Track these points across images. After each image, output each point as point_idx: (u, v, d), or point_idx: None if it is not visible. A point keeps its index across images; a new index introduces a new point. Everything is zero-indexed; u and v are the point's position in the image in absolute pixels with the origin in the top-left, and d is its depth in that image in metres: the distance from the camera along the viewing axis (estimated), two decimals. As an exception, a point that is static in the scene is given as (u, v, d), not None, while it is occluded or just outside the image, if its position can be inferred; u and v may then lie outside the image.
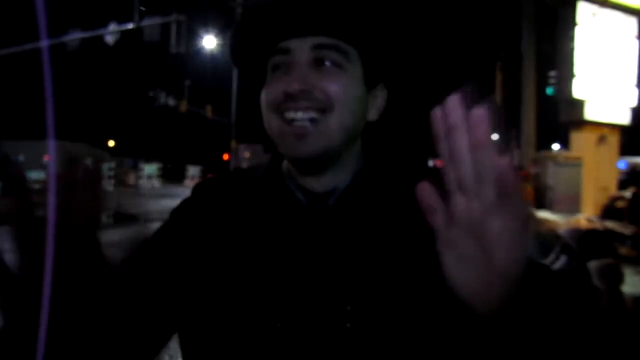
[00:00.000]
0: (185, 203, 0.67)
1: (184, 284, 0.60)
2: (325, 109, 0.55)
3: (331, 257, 0.56)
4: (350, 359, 0.53)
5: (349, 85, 0.57)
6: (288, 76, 0.57)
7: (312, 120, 0.55)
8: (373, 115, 0.62)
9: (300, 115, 0.55)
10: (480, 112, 0.35)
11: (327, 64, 0.57)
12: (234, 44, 0.64)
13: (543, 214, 4.98)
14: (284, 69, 0.58)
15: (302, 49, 0.57)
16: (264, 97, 0.59)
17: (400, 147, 0.66)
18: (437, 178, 0.39)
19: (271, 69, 0.59)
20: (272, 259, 0.57)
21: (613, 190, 7.39)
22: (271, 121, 0.58)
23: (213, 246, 0.60)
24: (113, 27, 15.48)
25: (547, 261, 4.04)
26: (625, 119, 7.81)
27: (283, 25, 0.57)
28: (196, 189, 0.68)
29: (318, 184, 0.60)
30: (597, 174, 7.23)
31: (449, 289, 0.42)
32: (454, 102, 0.36)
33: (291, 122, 0.56)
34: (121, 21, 15.43)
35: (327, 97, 0.55)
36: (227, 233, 0.60)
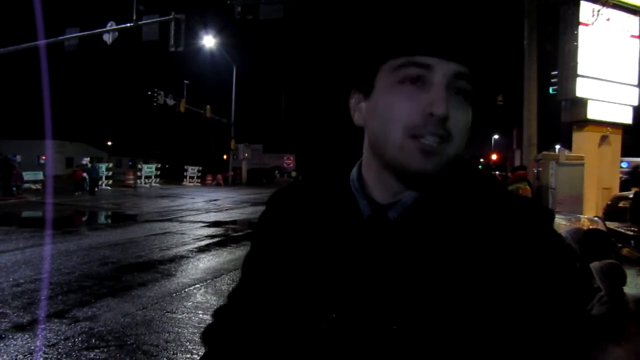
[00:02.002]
0: (264, 215, 0.76)
1: (271, 280, 0.69)
2: (449, 137, 0.58)
3: (385, 265, 0.60)
4: (392, 357, 0.57)
5: (468, 117, 0.60)
6: (427, 94, 0.57)
7: (438, 143, 0.57)
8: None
9: (432, 137, 0.57)
10: None
11: (461, 93, 0.59)
12: (365, 39, 0.64)
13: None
14: (418, 83, 0.58)
15: (445, 71, 0.57)
16: (390, 108, 0.59)
17: (469, 164, 0.67)
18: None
19: (398, 79, 0.59)
20: (335, 263, 0.63)
21: (615, 190, 7.38)
22: (397, 136, 0.58)
23: (289, 251, 0.68)
24: (111, 26, 15.42)
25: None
26: (627, 118, 7.80)
27: (433, 40, 0.57)
28: (270, 201, 0.76)
29: (385, 195, 0.64)
30: (599, 174, 7.21)
31: (492, 313, 0.50)
32: None
33: (418, 138, 0.57)
34: (119, 20, 15.39)
35: (455, 128, 0.58)
36: (299, 239, 0.67)
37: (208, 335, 0.79)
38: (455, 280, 0.57)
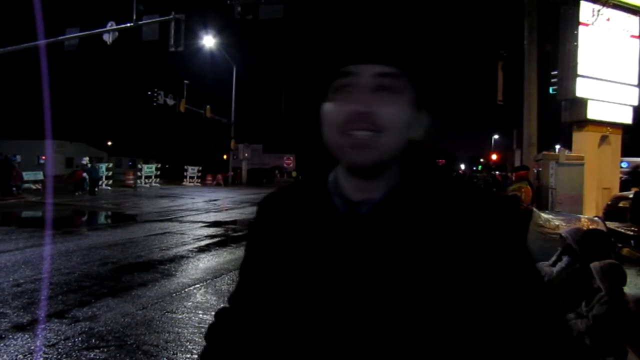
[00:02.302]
0: (255, 219, 0.83)
1: (265, 274, 0.76)
2: (380, 130, 0.65)
3: (357, 256, 0.67)
4: (368, 342, 0.65)
5: (399, 110, 0.66)
6: (351, 98, 0.66)
7: (369, 136, 0.65)
8: (416, 134, 0.71)
9: (360, 133, 0.65)
10: None
11: (385, 90, 0.66)
12: (309, 65, 0.76)
13: (546, 214, 4.95)
14: (347, 90, 0.67)
15: (365, 74, 0.66)
16: (327, 114, 0.68)
17: (434, 163, 0.77)
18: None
19: (334, 90, 0.68)
20: (316, 257, 0.70)
21: (615, 190, 7.37)
22: (333, 135, 0.68)
23: (278, 251, 0.75)
24: (111, 25, 15.42)
25: (550, 262, 4.01)
26: (627, 118, 7.79)
27: (350, 52, 0.67)
28: (260, 205, 0.83)
29: (356, 193, 0.71)
30: (599, 174, 7.21)
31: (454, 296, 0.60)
32: None
33: (351, 135, 0.66)
34: (119, 20, 15.39)
35: (383, 120, 0.65)
36: (286, 239, 0.74)
37: (208, 334, 0.85)
38: (419, 267, 0.64)
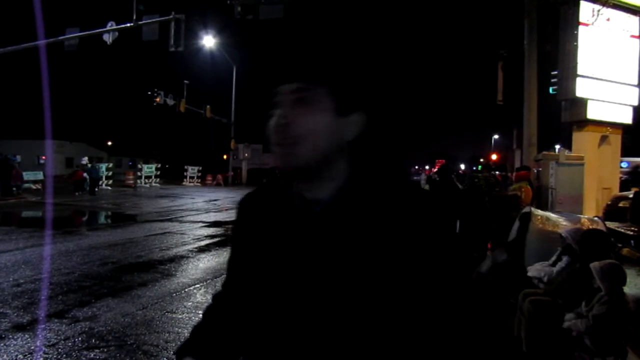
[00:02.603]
0: (236, 216, 0.94)
1: (242, 265, 0.90)
2: (295, 139, 0.76)
3: (311, 247, 0.78)
4: (326, 322, 0.76)
5: (314, 119, 0.76)
6: (275, 114, 0.79)
7: (290, 145, 0.76)
8: (350, 136, 0.79)
9: (280, 142, 0.77)
10: None
11: (301, 103, 0.76)
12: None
13: (546, 214, 4.95)
14: (277, 107, 0.79)
15: (287, 91, 0.78)
16: (267, 130, 0.80)
17: (384, 162, 0.86)
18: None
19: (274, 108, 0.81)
20: (280, 248, 0.81)
21: (615, 190, 7.36)
22: (272, 147, 0.80)
23: (249, 239, 0.88)
24: (111, 25, 15.41)
25: (550, 261, 4.01)
26: (627, 118, 7.79)
27: (278, 77, 0.79)
28: (239, 204, 0.93)
29: (309, 193, 0.80)
30: (599, 174, 7.20)
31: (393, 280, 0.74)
32: None
33: (277, 146, 0.78)
34: (119, 20, 15.38)
35: (297, 130, 0.76)
36: (258, 232, 0.86)
37: (204, 312, 0.99)
38: (358, 255, 0.75)
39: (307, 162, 0.76)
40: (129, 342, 3.57)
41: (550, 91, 8.64)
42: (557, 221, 4.64)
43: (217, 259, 6.84)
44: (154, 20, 14.93)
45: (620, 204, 6.16)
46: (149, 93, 24.87)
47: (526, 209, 4.98)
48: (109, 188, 22.51)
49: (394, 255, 0.75)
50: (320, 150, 0.76)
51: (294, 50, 0.81)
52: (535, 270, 4.04)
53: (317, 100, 0.76)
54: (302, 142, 0.75)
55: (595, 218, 5.28)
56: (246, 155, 34.71)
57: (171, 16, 14.58)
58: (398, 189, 0.80)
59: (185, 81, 28.24)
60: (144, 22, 14.98)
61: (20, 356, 3.29)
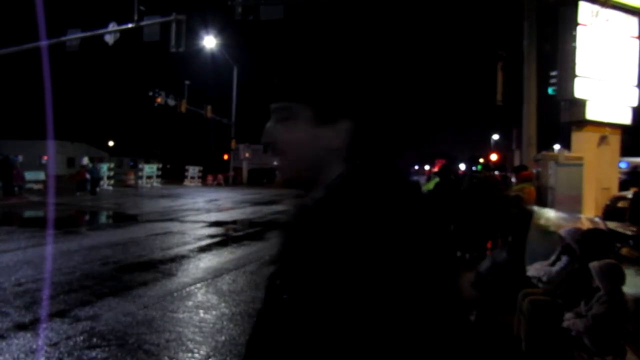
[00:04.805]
0: None
1: None
2: (282, 152, 0.81)
3: (288, 250, 0.80)
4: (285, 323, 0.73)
5: (293, 134, 0.80)
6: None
7: (278, 161, 0.82)
8: (335, 143, 0.79)
9: (273, 157, 0.83)
10: None
11: (282, 120, 0.81)
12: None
13: (547, 213, 4.96)
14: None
15: (273, 109, 0.83)
16: None
17: (377, 162, 0.82)
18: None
19: None
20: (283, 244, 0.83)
21: (614, 191, 7.37)
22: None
23: None
24: (112, 26, 15.44)
25: (550, 261, 4.03)
26: (626, 119, 7.79)
27: (270, 94, 0.84)
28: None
29: (307, 198, 0.82)
30: (599, 174, 7.21)
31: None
32: None
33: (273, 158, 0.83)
34: (120, 21, 15.41)
35: (281, 144, 0.81)
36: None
37: None
38: (307, 260, 0.72)
39: (298, 172, 0.81)
40: (130, 342, 3.59)
41: (550, 92, 8.65)
42: (558, 221, 4.65)
43: (217, 259, 6.86)
44: (155, 21, 14.95)
45: (619, 204, 6.17)
46: (150, 93, 24.90)
47: (527, 209, 5.00)
48: (110, 188, 22.54)
49: (379, 246, 0.69)
50: (307, 160, 0.80)
51: (272, 70, 0.86)
52: (534, 269, 4.05)
53: (296, 115, 0.80)
54: (289, 156, 0.81)
55: (596, 218, 5.29)
56: (247, 155, 34.73)
57: (172, 17, 14.60)
58: (388, 188, 0.77)
59: (186, 81, 28.29)
60: (145, 22, 15.01)
61: (22, 355, 3.31)
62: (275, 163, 0.83)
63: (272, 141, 0.82)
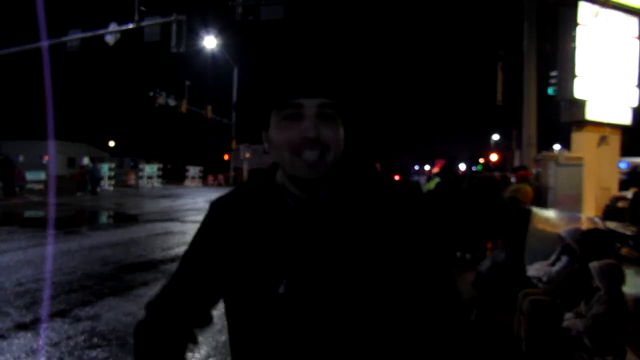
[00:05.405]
0: (207, 217, 0.97)
1: (220, 266, 0.89)
2: (325, 150, 0.82)
3: (309, 241, 0.83)
4: (324, 318, 0.80)
5: (337, 131, 0.84)
6: (300, 124, 0.82)
7: (317, 156, 0.82)
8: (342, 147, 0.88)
9: (310, 153, 0.81)
10: None
11: (326, 117, 0.82)
12: (256, 96, 0.91)
13: (546, 213, 4.96)
14: (295, 118, 0.83)
15: (311, 105, 0.82)
16: (279, 135, 0.84)
17: (367, 164, 0.91)
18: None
19: (283, 116, 0.84)
20: (273, 244, 0.84)
21: (614, 191, 7.36)
22: (284, 153, 0.83)
23: (233, 240, 0.88)
24: (113, 26, 15.45)
25: (550, 261, 4.03)
26: (626, 119, 7.79)
27: (301, 88, 0.83)
28: (212, 205, 0.97)
29: (302, 192, 0.86)
30: (598, 174, 7.20)
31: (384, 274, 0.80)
32: None
33: (302, 156, 0.82)
34: (121, 21, 15.42)
35: (327, 141, 0.82)
36: (241, 230, 0.88)
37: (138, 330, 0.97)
38: (358, 244, 0.81)
39: (326, 171, 0.83)
40: (130, 342, 3.59)
41: (549, 92, 8.64)
42: (558, 220, 4.65)
43: (218, 259, 6.87)
44: (155, 21, 14.96)
45: (619, 204, 6.16)
46: (151, 94, 24.90)
47: (526, 209, 5.00)
48: (111, 188, 22.55)
49: (389, 244, 0.82)
50: (336, 160, 0.84)
51: (313, 65, 0.87)
52: (534, 269, 4.06)
53: (334, 116, 0.83)
54: (330, 154, 0.82)
55: (596, 218, 5.29)
56: (247, 155, 34.73)
57: (173, 17, 14.61)
58: (387, 185, 0.88)
59: (187, 82, 28.31)
60: (145, 23, 15.02)
61: (23, 355, 3.31)
62: (310, 158, 0.82)
63: (316, 136, 0.81)
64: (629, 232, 4.92)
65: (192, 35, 18.13)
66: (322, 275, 0.81)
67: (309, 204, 0.86)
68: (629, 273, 3.34)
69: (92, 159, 21.92)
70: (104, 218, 12.70)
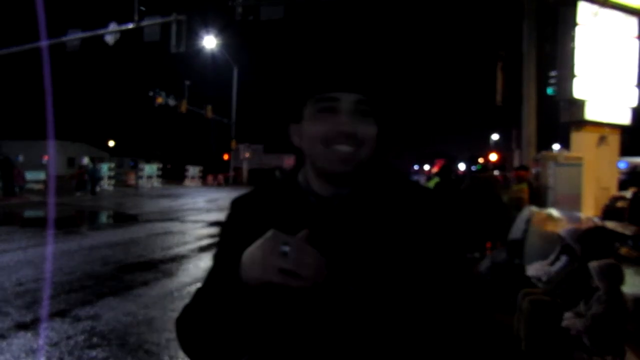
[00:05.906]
0: (230, 216, 0.95)
1: None
2: (359, 146, 0.82)
3: (334, 240, 0.82)
4: (353, 314, 0.79)
5: (371, 129, 0.84)
6: (337, 118, 0.82)
7: (352, 151, 0.81)
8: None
9: (345, 147, 0.81)
10: None
11: (361, 113, 0.83)
12: (292, 87, 0.90)
13: (547, 212, 4.97)
14: (330, 111, 0.82)
15: (348, 100, 0.82)
16: (313, 130, 0.83)
17: (387, 163, 0.92)
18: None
19: (318, 109, 0.83)
20: None
21: (613, 190, 7.36)
22: (317, 148, 0.83)
23: (257, 237, 0.82)
24: (113, 26, 15.45)
25: (549, 261, 4.04)
26: (625, 119, 7.79)
27: (337, 82, 0.83)
28: (234, 204, 0.96)
29: (326, 190, 0.86)
30: (598, 174, 7.20)
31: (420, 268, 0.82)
32: None
33: (336, 150, 0.81)
34: (121, 21, 15.41)
35: (362, 137, 0.82)
36: (265, 227, 0.82)
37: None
38: (382, 244, 0.82)
39: (358, 167, 0.84)
40: (130, 341, 3.60)
41: (549, 92, 8.63)
42: (558, 220, 4.66)
43: (218, 259, 6.88)
44: (155, 21, 14.97)
45: (619, 204, 6.16)
46: (151, 93, 24.91)
47: (526, 209, 5.01)
48: (111, 188, 22.55)
49: (411, 241, 0.83)
50: (368, 156, 0.85)
51: (354, 60, 0.87)
52: (534, 269, 4.07)
53: (369, 113, 0.84)
54: (364, 149, 0.83)
55: (595, 218, 5.30)
56: (247, 155, 34.74)
57: (172, 17, 14.61)
58: (404, 184, 0.90)
59: (187, 82, 28.34)
60: (145, 23, 15.02)
61: (23, 354, 3.32)
62: (345, 153, 0.81)
63: (355, 130, 0.81)
64: (628, 232, 4.92)
65: (192, 35, 18.13)
66: (348, 271, 0.81)
67: (331, 202, 0.86)
68: (629, 273, 3.35)
69: (92, 159, 21.91)
70: (103, 218, 12.70)
